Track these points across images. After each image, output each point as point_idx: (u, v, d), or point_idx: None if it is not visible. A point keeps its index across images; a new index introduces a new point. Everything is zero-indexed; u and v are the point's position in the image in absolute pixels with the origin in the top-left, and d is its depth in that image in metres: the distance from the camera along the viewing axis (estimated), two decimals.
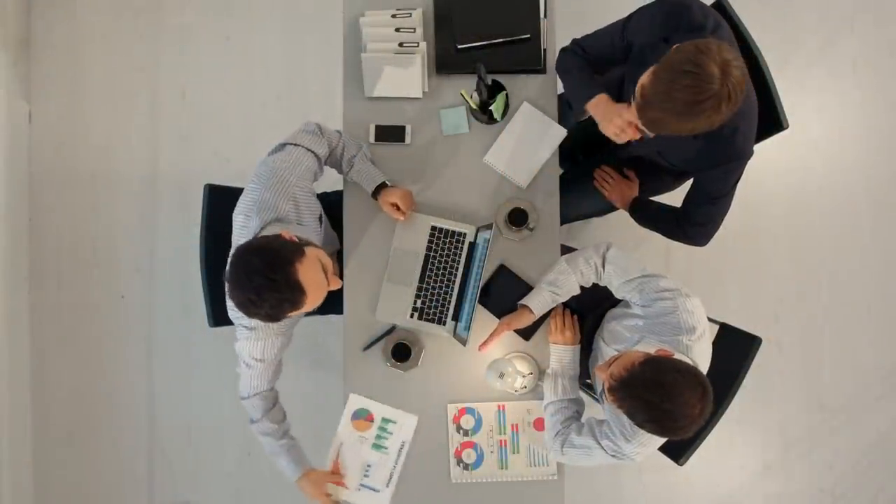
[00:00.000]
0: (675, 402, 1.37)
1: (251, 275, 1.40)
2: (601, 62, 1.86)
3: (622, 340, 1.77)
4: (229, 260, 1.48)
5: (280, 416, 1.89)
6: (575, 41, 1.87)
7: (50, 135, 2.98)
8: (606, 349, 1.84)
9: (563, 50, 1.89)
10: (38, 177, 2.97)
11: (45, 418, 2.91)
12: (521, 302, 1.89)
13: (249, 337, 1.70)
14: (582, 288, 1.87)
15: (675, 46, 1.45)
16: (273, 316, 1.44)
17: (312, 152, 1.76)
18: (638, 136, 1.68)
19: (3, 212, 2.81)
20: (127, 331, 2.92)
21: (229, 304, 1.62)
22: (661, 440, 1.63)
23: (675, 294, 1.63)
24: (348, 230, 2.02)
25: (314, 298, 1.46)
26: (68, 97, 2.98)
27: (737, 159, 1.70)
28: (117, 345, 2.92)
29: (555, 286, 1.84)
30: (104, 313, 2.93)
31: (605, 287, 1.85)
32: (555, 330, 1.93)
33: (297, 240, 1.51)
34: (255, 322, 1.66)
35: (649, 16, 1.69)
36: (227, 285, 1.45)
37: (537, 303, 1.86)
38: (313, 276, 1.45)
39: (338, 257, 2.10)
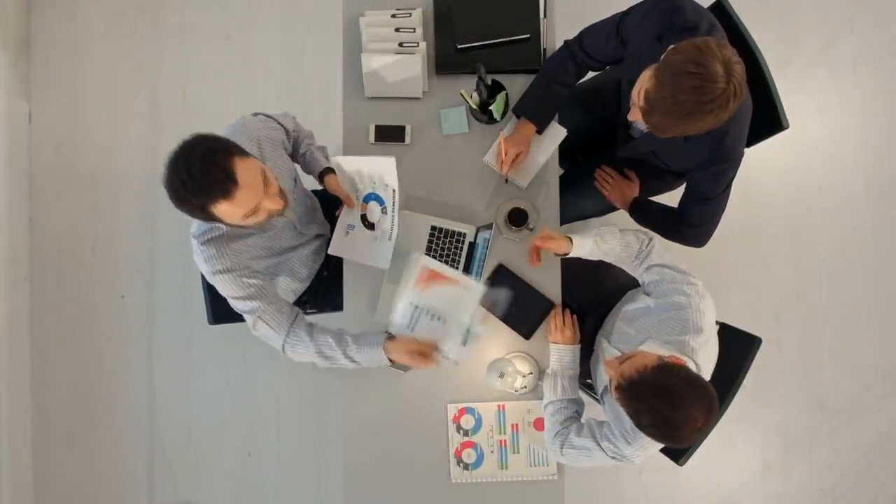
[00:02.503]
0: (680, 412, 1.37)
1: (190, 157, 1.42)
2: (600, 61, 1.86)
3: (627, 341, 1.77)
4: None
5: (323, 330, 1.78)
6: (578, 38, 1.87)
7: (50, 135, 2.98)
8: (610, 349, 1.84)
9: (567, 45, 1.90)
10: (38, 177, 2.97)
11: (45, 418, 2.91)
12: (569, 235, 1.85)
13: (223, 280, 1.68)
14: (592, 276, 1.86)
15: (671, 47, 1.44)
16: (201, 203, 1.44)
17: (281, 125, 1.86)
18: (504, 172, 1.92)
19: (4, 212, 2.80)
20: (127, 331, 2.92)
21: (195, 249, 1.64)
22: (661, 444, 1.63)
23: (693, 291, 1.65)
24: None
25: (245, 196, 1.46)
26: (68, 97, 2.98)
27: (725, 161, 1.70)
28: (117, 345, 2.91)
29: (600, 237, 1.82)
30: (104, 313, 2.93)
31: (605, 287, 1.84)
32: (554, 329, 1.92)
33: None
34: (221, 264, 1.66)
35: (642, 14, 1.69)
36: (164, 171, 1.44)
37: (580, 240, 1.82)
38: (250, 175, 1.47)
39: (325, 245, 2.09)
